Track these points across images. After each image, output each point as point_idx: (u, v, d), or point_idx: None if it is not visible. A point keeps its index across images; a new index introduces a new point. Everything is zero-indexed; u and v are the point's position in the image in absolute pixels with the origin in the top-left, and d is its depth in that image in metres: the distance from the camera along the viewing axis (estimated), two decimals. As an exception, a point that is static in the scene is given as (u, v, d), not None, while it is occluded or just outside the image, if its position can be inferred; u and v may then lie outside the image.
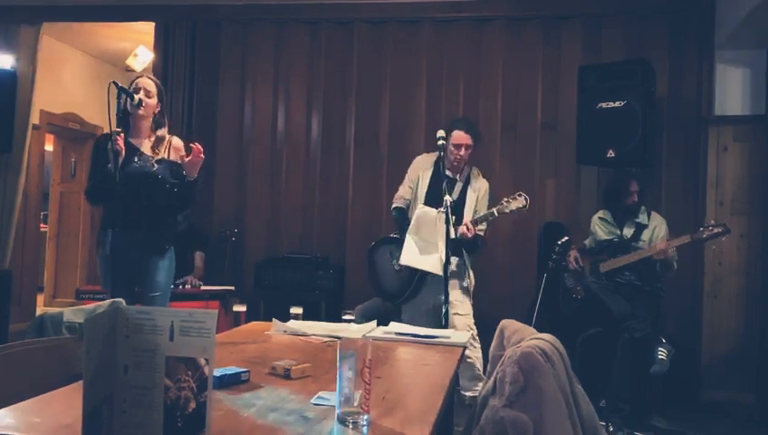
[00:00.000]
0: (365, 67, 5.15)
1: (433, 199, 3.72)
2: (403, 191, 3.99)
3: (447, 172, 3.78)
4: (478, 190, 3.82)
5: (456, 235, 3.50)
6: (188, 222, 4.81)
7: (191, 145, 3.09)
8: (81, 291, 4.75)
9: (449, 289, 3.37)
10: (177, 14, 5.34)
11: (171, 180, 3.18)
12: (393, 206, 4.04)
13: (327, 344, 2.17)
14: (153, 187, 3.16)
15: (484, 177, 3.94)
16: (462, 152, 3.75)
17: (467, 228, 3.60)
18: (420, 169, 3.92)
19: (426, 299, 3.80)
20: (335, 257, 4.98)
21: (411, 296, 3.83)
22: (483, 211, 3.74)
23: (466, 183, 3.84)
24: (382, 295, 4.05)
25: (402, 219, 3.93)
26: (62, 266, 7.42)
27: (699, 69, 4.68)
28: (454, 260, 3.63)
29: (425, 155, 4.05)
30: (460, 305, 3.74)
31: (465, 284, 3.81)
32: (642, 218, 4.03)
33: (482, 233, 3.79)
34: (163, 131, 3.28)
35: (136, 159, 3.17)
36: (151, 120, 3.25)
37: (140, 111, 3.17)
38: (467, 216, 3.73)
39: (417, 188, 3.88)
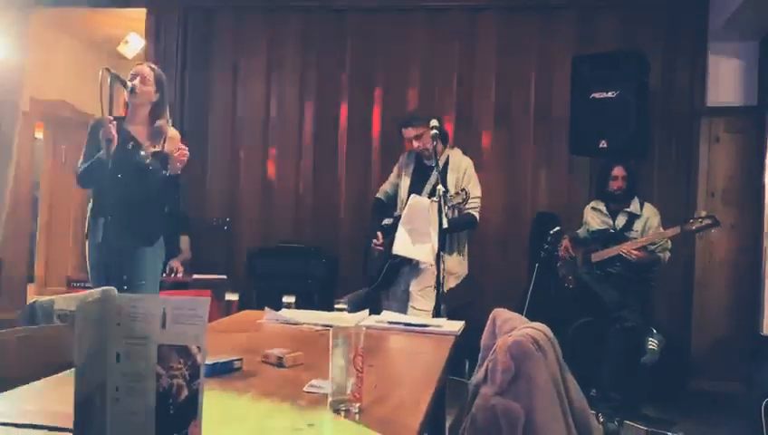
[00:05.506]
0: (358, 55, 5.13)
1: (416, 191, 3.77)
2: (385, 185, 4.09)
3: (427, 162, 3.80)
4: (457, 169, 3.80)
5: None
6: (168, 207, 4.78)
7: (180, 148, 3.05)
8: (72, 279, 4.74)
9: (415, 281, 3.68)
10: (169, 1, 5.29)
11: (162, 171, 3.14)
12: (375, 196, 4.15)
13: (319, 333, 2.17)
14: (145, 178, 3.12)
15: (467, 155, 3.89)
16: (417, 143, 3.75)
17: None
18: (403, 165, 3.97)
19: (404, 287, 3.81)
20: (328, 247, 4.97)
21: (386, 283, 3.84)
22: (470, 185, 3.68)
23: (446, 165, 3.84)
24: (366, 280, 4.08)
25: (376, 209, 4.07)
26: (54, 255, 7.36)
27: (692, 60, 4.69)
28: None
29: (408, 151, 4.06)
30: (419, 299, 3.66)
31: (432, 276, 3.51)
32: (634, 208, 4.03)
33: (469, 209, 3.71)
34: (162, 122, 3.21)
35: (130, 146, 3.14)
36: (149, 108, 3.20)
37: (135, 99, 3.14)
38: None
39: (400, 182, 3.91)
